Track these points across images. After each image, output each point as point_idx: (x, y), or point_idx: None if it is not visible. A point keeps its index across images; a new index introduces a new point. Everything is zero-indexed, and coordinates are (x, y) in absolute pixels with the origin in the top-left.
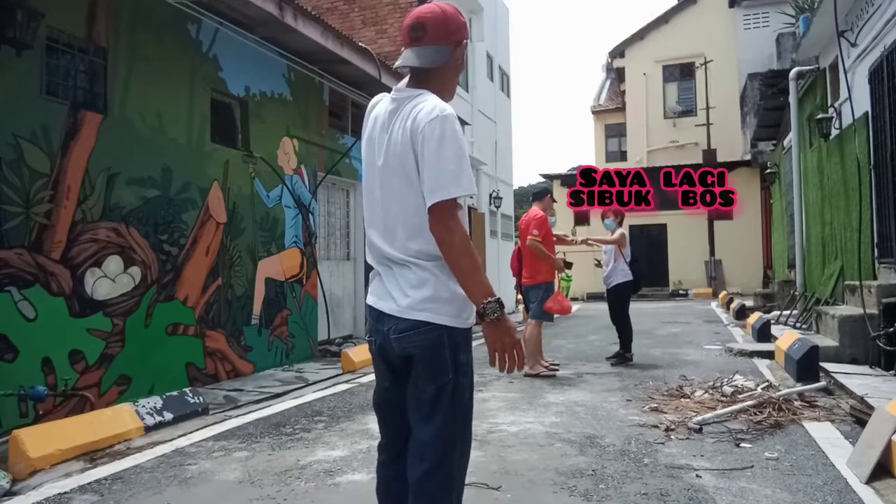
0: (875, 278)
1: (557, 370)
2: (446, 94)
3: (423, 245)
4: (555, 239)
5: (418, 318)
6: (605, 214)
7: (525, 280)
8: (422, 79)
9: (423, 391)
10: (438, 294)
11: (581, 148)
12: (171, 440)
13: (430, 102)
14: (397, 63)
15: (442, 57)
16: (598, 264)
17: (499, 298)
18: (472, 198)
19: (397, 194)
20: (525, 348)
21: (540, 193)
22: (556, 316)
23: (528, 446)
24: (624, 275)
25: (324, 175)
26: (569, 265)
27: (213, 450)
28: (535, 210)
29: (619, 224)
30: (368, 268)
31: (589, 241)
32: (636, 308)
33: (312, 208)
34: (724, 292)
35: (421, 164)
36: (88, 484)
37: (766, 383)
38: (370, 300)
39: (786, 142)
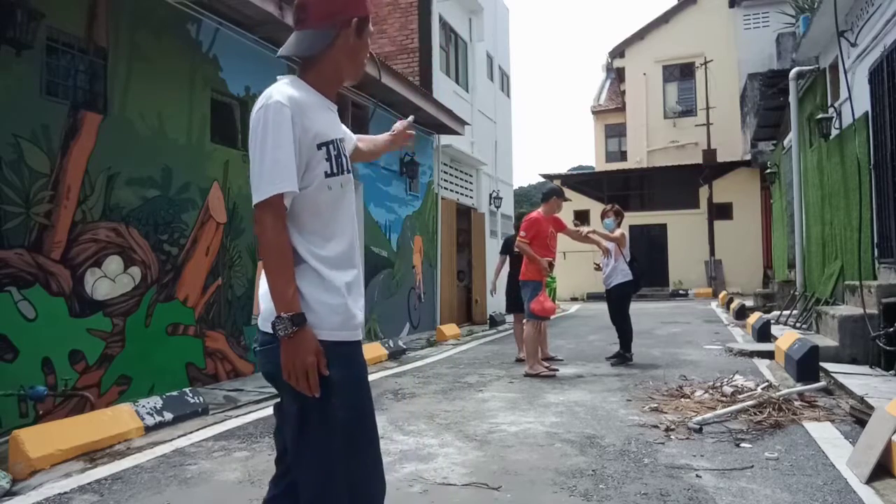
0: (875, 278)
1: (557, 371)
2: (342, 80)
3: None
4: (550, 238)
5: (269, 331)
6: (606, 214)
7: (520, 276)
8: (306, 66)
9: (288, 410)
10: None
11: (581, 148)
12: (171, 440)
13: (266, 91)
14: (279, 51)
15: (321, 41)
16: (598, 268)
17: (297, 315)
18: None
19: None
20: (525, 349)
21: (547, 195)
22: (555, 315)
23: (528, 446)
24: (624, 275)
25: None
26: (551, 266)
27: (214, 450)
28: (536, 212)
29: (619, 224)
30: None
31: (589, 235)
32: (636, 308)
33: None
34: (724, 292)
35: None
36: (88, 484)
37: (766, 383)
38: None
39: (786, 142)
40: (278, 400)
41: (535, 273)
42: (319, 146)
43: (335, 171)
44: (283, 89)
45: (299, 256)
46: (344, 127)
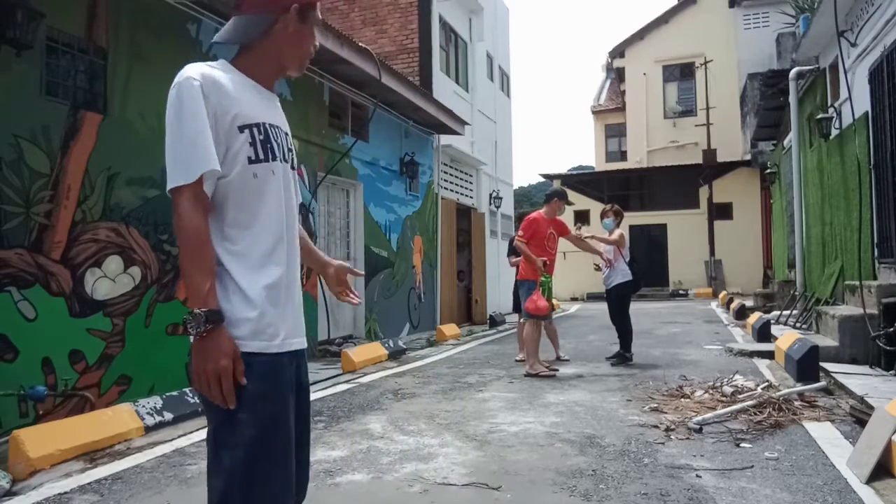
0: (875, 278)
1: (557, 371)
2: (283, 69)
3: None
4: (549, 239)
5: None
6: (605, 214)
7: (518, 274)
8: (240, 52)
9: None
10: None
11: (581, 148)
12: (171, 440)
13: (181, 71)
14: (214, 38)
15: (256, 28)
16: (598, 268)
17: (213, 311)
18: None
19: None
20: (525, 348)
21: (549, 196)
22: (555, 315)
23: (528, 446)
24: (623, 275)
25: (324, 175)
26: (546, 265)
27: None
28: (536, 212)
29: (618, 224)
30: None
31: (587, 240)
32: (636, 308)
33: (312, 208)
34: (724, 292)
35: None
36: (88, 484)
37: (766, 383)
38: None
39: (786, 142)
40: None
41: (532, 273)
42: (241, 128)
43: (260, 157)
44: (198, 67)
45: (216, 252)
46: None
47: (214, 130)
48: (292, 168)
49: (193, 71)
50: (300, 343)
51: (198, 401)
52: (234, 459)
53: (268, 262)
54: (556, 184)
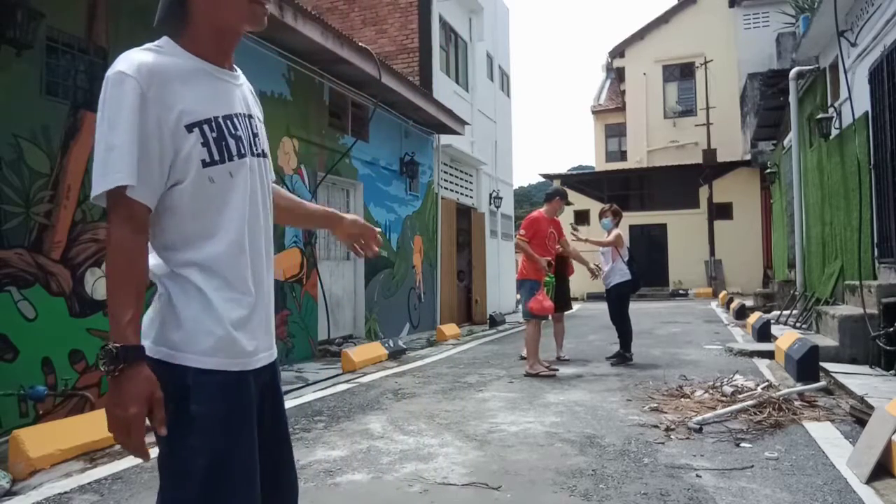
0: (875, 278)
1: (557, 371)
2: (229, 30)
3: None
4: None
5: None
6: (604, 214)
7: (519, 274)
8: (181, 31)
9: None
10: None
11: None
12: None
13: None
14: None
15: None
16: (594, 276)
17: (128, 347)
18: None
19: None
20: (525, 348)
21: (550, 195)
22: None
23: (528, 446)
24: (622, 275)
25: (324, 175)
26: (550, 265)
27: None
28: (537, 211)
29: (617, 224)
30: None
31: (577, 235)
32: (636, 308)
33: None
34: (724, 292)
35: None
36: (88, 484)
37: (766, 383)
38: None
39: (786, 142)
40: None
41: (533, 272)
42: (189, 128)
43: (215, 158)
44: (134, 55)
45: (177, 262)
46: (253, 103)
47: (158, 132)
48: (261, 156)
49: (126, 62)
50: (270, 356)
51: None
52: (185, 491)
53: (235, 271)
54: (557, 184)
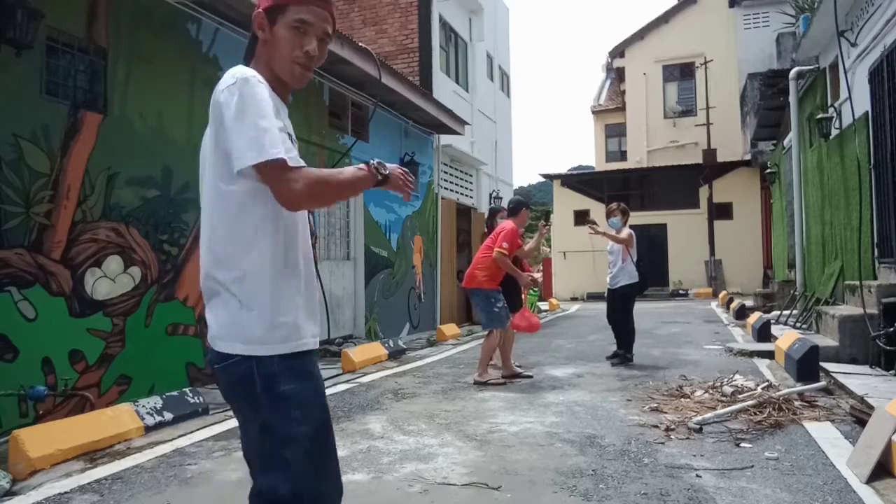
0: (875, 278)
1: (505, 383)
2: (281, 79)
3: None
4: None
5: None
6: (612, 213)
7: (475, 283)
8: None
9: (250, 429)
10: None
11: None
12: (171, 440)
13: (231, 72)
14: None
15: (252, 40)
16: (593, 230)
17: (378, 163)
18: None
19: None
20: (482, 355)
21: (515, 209)
22: (555, 315)
23: (528, 446)
24: (631, 276)
25: None
26: (535, 281)
27: (214, 450)
28: (510, 224)
29: (625, 223)
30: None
31: (594, 227)
32: (636, 308)
33: None
34: (724, 292)
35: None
36: (88, 484)
37: (766, 383)
38: None
39: (786, 142)
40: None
41: (490, 281)
42: (288, 135)
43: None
44: (246, 69)
45: (246, 261)
46: None
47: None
48: None
49: (247, 71)
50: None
51: (198, 401)
52: (295, 458)
53: (296, 261)
54: (556, 184)
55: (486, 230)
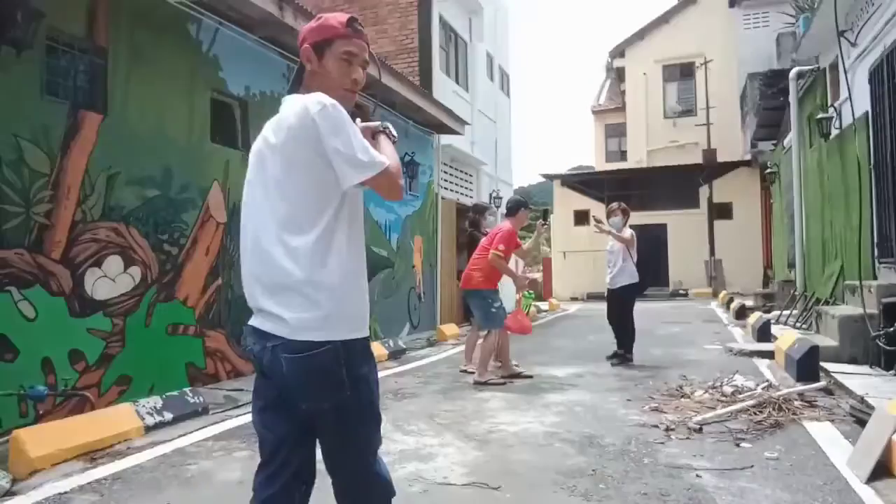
0: (875, 278)
1: (505, 383)
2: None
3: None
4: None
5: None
6: (613, 213)
7: (472, 283)
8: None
9: (320, 412)
10: None
11: (581, 148)
12: (171, 440)
13: (310, 98)
14: None
15: (299, 72)
16: (598, 227)
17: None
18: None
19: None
20: (480, 356)
21: (513, 209)
22: (555, 315)
23: (528, 446)
24: (631, 276)
25: None
26: (533, 283)
27: (214, 450)
28: (507, 225)
29: (626, 223)
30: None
31: (600, 224)
32: (636, 308)
33: None
34: (724, 292)
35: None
36: (88, 484)
37: (766, 383)
38: None
39: (786, 142)
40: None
41: (488, 282)
42: None
43: None
44: (323, 96)
45: (341, 246)
46: None
47: None
48: None
49: (328, 97)
50: None
51: (198, 401)
52: (373, 432)
53: (361, 253)
54: (556, 184)
55: (467, 227)
